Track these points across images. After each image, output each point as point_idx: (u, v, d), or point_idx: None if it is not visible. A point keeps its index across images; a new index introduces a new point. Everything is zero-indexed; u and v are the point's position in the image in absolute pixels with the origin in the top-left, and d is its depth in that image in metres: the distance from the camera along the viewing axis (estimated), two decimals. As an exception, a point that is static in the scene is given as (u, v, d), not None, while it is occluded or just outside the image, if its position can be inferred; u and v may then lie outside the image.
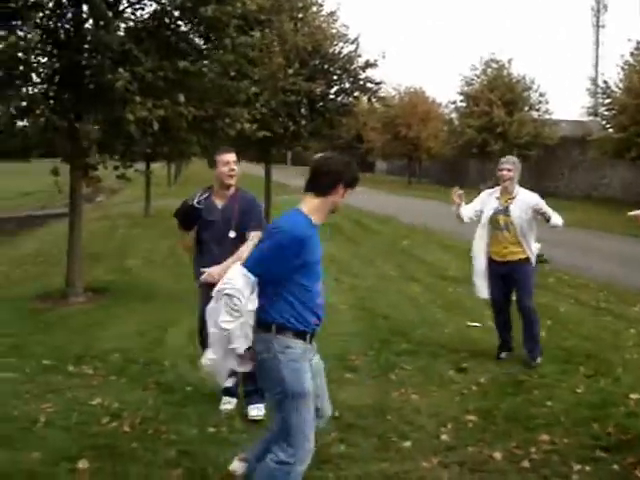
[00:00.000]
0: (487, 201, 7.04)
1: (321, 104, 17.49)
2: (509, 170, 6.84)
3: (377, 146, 47.55)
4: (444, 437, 5.03)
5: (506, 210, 6.84)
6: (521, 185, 7.03)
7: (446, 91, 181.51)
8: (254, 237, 5.14)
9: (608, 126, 29.15)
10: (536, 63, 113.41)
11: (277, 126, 16.04)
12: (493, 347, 7.19)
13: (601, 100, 29.13)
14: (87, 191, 13.45)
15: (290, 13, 16.37)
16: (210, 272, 5.05)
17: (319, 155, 3.95)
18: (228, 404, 5.58)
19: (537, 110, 37.27)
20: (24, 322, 8.75)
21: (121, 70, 8.85)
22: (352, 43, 17.54)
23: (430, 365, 6.83)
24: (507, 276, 6.89)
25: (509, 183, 6.87)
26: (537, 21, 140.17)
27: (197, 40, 10.74)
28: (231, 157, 5.47)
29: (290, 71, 15.87)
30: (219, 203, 5.50)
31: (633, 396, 5.85)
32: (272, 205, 18.29)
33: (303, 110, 17.38)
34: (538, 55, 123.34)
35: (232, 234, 5.38)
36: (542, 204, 6.83)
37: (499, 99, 35.22)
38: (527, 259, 6.87)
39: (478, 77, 37.78)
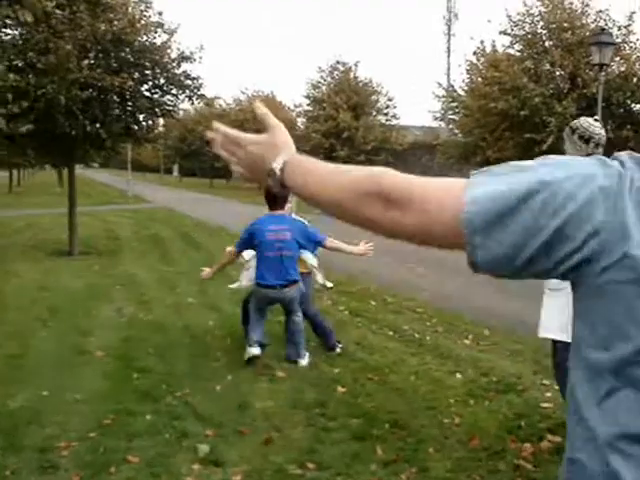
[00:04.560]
0: None
1: (132, 102, 15.18)
2: None
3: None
4: None
5: None
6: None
7: (293, 95, 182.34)
8: None
9: (455, 131, 28.44)
10: (390, 71, 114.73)
11: (74, 126, 13.55)
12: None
13: (447, 104, 28.30)
14: None
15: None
16: None
17: None
18: None
19: (385, 115, 36.30)
20: None
21: None
22: (168, 33, 15.29)
23: (172, 458, 4.56)
24: None
25: None
26: (392, 30, 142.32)
27: None
28: None
29: (85, 62, 13.43)
30: None
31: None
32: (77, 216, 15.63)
33: (117, 109, 15.08)
34: (393, 63, 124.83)
35: None
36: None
37: (345, 103, 33.91)
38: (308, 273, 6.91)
39: (324, 80, 36.44)
